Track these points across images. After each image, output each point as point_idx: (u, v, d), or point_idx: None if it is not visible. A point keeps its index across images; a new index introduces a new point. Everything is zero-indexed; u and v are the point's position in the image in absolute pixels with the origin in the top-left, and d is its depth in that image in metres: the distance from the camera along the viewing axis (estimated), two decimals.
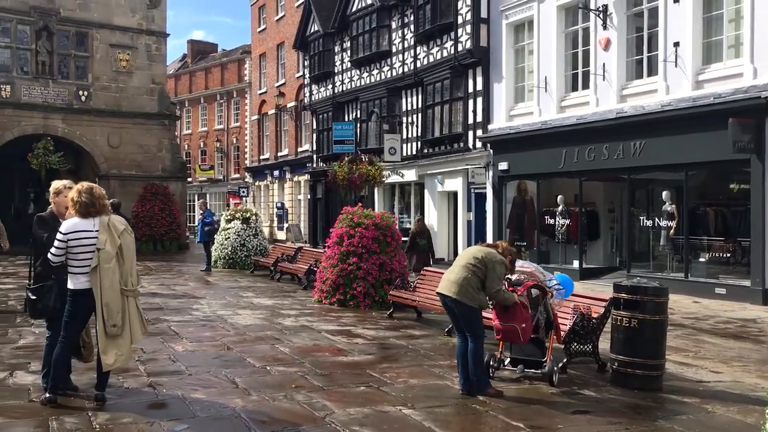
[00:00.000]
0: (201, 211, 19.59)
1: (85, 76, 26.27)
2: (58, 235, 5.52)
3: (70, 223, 5.55)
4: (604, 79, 16.16)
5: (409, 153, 23.77)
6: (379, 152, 23.91)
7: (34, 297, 5.81)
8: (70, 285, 5.57)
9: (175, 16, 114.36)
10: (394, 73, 24.37)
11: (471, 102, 20.76)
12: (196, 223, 24.12)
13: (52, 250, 5.54)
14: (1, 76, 24.58)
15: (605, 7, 16.09)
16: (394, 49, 24.46)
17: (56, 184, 6.04)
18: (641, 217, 16.11)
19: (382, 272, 11.83)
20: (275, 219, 36.78)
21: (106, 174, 25.75)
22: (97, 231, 5.51)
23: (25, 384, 6.29)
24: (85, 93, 26.06)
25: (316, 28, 29.25)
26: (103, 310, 5.45)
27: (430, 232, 15.46)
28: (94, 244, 5.47)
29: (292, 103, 34.41)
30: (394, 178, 23.95)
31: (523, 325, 6.39)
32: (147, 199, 26.29)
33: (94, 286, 5.46)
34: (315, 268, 13.88)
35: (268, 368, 7.13)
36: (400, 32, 24.11)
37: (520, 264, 6.94)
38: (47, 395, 5.60)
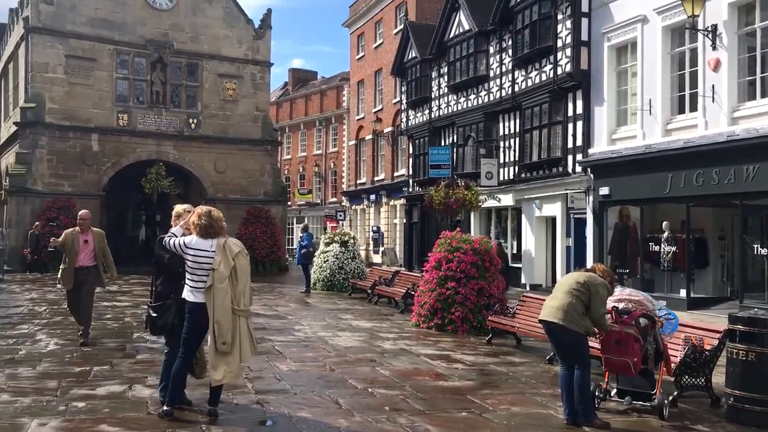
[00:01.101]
0: (301, 235, 20.12)
1: (195, 104, 27.72)
2: (181, 240, 5.87)
3: (194, 239, 5.88)
4: (713, 101, 15.53)
5: (506, 177, 23.56)
6: (475, 177, 23.82)
7: (155, 314, 6.15)
8: (189, 298, 5.86)
9: (277, 45, 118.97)
10: (492, 98, 24.31)
11: (570, 126, 20.41)
12: (295, 246, 24.74)
13: (171, 240, 5.90)
14: (120, 105, 26.33)
15: (714, 27, 15.50)
16: (491, 74, 24.43)
17: (178, 209, 6.42)
18: (755, 245, 15.25)
19: (481, 297, 11.79)
20: (371, 242, 37.19)
21: (213, 197, 26.83)
22: (213, 252, 5.81)
23: (143, 397, 6.64)
24: (195, 121, 27.46)
25: (414, 55, 29.63)
26: (215, 328, 5.70)
27: (506, 254, 15.27)
28: (211, 264, 5.76)
29: (389, 129, 34.90)
30: (490, 203, 23.78)
31: (635, 359, 6.22)
32: (250, 222, 27.35)
33: (208, 304, 5.73)
34: (412, 292, 13.97)
35: (370, 390, 7.23)
36: (497, 57, 24.07)
37: (628, 292, 6.76)
38: (165, 408, 5.89)
